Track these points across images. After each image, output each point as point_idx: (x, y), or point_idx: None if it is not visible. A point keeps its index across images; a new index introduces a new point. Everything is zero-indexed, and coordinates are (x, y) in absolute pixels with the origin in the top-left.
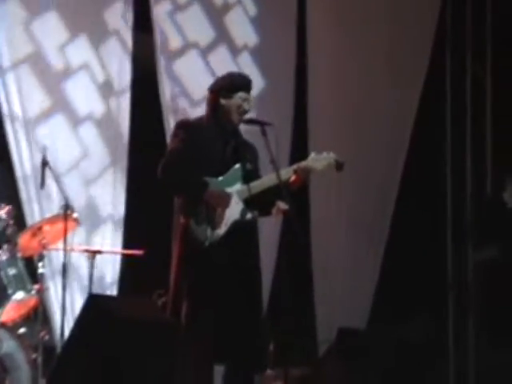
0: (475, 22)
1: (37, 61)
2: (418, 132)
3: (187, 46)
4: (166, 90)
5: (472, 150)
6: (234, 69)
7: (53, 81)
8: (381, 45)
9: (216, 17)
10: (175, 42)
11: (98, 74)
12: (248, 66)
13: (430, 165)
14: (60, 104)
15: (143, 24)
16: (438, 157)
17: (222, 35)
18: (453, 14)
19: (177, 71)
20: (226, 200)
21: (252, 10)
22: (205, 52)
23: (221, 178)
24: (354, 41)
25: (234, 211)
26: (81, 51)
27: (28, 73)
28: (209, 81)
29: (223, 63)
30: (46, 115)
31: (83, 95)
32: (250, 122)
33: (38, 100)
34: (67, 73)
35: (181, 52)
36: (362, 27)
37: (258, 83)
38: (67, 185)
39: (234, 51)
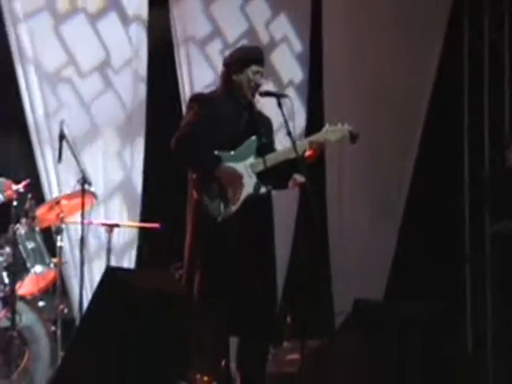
0: None
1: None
2: (435, 104)
3: None
4: None
5: (490, 121)
6: None
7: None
8: (397, 15)
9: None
10: None
11: None
12: None
13: (447, 137)
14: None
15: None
16: (455, 128)
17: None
18: None
19: None
20: (237, 180)
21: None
22: None
23: (235, 152)
24: (369, 13)
25: (247, 186)
26: None
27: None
28: None
29: None
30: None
31: None
32: (266, 94)
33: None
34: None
35: None
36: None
37: None
38: None
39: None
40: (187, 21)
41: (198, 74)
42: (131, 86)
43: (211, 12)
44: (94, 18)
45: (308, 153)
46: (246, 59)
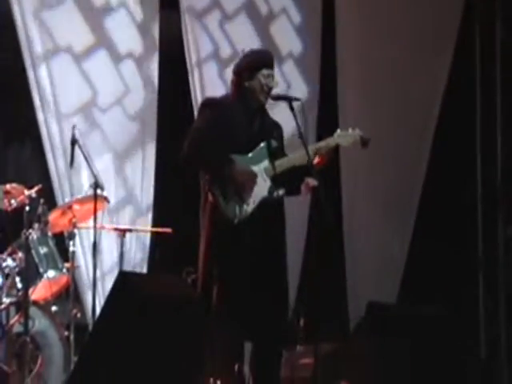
0: None
1: None
2: (447, 109)
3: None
4: None
5: (502, 126)
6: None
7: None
8: (409, 21)
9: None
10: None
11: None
12: None
13: (460, 141)
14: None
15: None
16: (467, 133)
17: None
18: None
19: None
20: (252, 178)
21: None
22: None
23: (249, 155)
24: (381, 20)
25: (261, 188)
26: None
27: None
28: None
29: None
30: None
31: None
32: (278, 97)
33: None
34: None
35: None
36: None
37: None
38: None
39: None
40: None
41: (197, 44)
42: (142, 91)
43: None
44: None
45: (316, 160)
46: (257, 64)
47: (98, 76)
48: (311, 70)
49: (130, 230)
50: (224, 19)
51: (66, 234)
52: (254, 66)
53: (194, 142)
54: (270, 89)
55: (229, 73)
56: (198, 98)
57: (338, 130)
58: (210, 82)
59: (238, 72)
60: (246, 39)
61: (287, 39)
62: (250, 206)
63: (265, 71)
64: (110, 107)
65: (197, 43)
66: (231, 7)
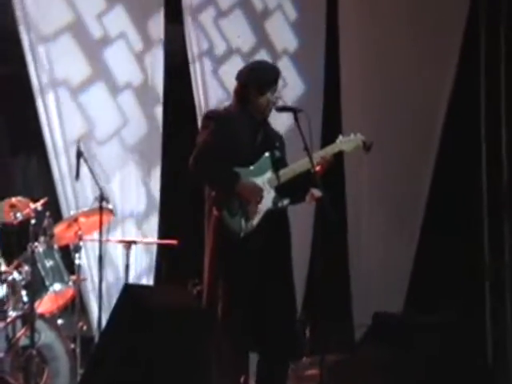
0: None
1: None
2: (452, 111)
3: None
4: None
5: (507, 131)
6: None
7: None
8: (413, 22)
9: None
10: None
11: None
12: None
13: (465, 144)
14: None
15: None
16: (472, 139)
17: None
18: None
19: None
20: (258, 193)
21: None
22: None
23: (252, 167)
24: (384, 23)
25: (266, 200)
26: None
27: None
28: None
29: None
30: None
31: None
32: (283, 109)
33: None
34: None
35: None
36: (392, 6)
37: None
38: None
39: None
40: None
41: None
42: (147, 104)
43: None
44: None
45: (317, 168)
46: (267, 83)
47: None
48: (307, 67)
49: (135, 242)
50: (219, 15)
51: (71, 246)
52: (264, 83)
53: (200, 156)
54: (274, 104)
55: (224, 70)
56: (201, 105)
57: (340, 136)
58: (207, 80)
59: (244, 84)
60: (241, 36)
61: (282, 36)
62: (255, 220)
63: (273, 87)
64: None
65: (193, 39)
66: (226, 3)
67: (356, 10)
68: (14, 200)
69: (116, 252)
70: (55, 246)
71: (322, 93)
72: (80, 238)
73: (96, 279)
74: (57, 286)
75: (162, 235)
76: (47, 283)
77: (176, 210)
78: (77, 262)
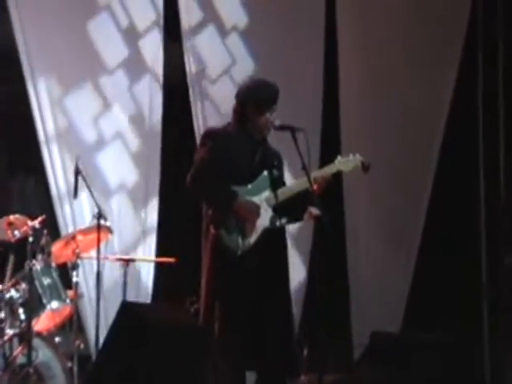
0: (506, 9)
1: None
2: (451, 130)
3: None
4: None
5: (506, 150)
6: None
7: None
8: (411, 38)
9: None
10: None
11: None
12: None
13: (463, 165)
14: None
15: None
16: (470, 157)
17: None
18: (484, 3)
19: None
20: (255, 211)
21: None
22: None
23: (250, 186)
24: (383, 36)
25: (263, 219)
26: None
27: None
28: None
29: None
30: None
31: None
32: (281, 128)
33: None
34: None
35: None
36: (390, 20)
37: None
38: None
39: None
40: None
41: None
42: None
43: None
44: None
45: (314, 187)
46: (267, 102)
47: None
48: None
49: (133, 260)
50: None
51: (69, 264)
52: (263, 103)
53: (198, 174)
54: (273, 123)
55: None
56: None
57: (339, 157)
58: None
59: (243, 103)
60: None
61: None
62: (252, 238)
63: (273, 108)
64: None
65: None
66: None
67: (352, 24)
68: (11, 218)
69: (114, 270)
70: (53, 264)
71: (321, 110)
72: (78, 256)
73: (93, 297)
74: (54, 304)
75: (159, 253)
76: (44, 301)
77: (174, 228)
78: (74, 279)
